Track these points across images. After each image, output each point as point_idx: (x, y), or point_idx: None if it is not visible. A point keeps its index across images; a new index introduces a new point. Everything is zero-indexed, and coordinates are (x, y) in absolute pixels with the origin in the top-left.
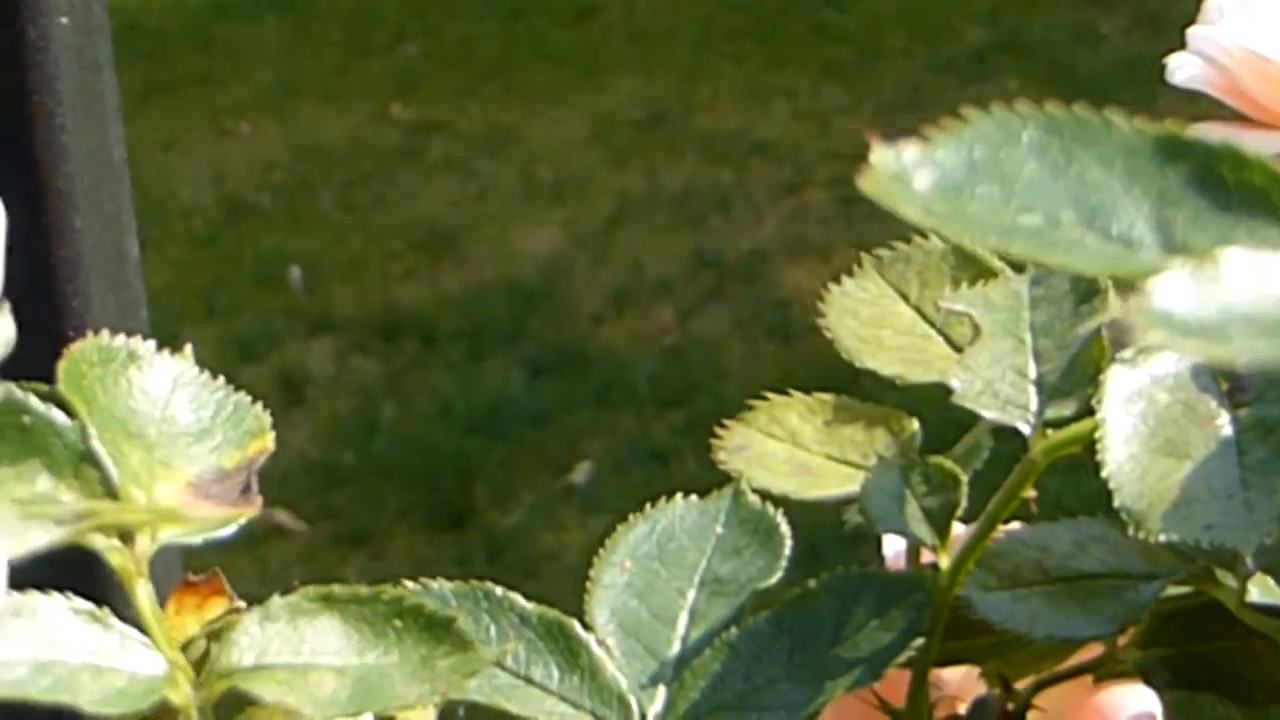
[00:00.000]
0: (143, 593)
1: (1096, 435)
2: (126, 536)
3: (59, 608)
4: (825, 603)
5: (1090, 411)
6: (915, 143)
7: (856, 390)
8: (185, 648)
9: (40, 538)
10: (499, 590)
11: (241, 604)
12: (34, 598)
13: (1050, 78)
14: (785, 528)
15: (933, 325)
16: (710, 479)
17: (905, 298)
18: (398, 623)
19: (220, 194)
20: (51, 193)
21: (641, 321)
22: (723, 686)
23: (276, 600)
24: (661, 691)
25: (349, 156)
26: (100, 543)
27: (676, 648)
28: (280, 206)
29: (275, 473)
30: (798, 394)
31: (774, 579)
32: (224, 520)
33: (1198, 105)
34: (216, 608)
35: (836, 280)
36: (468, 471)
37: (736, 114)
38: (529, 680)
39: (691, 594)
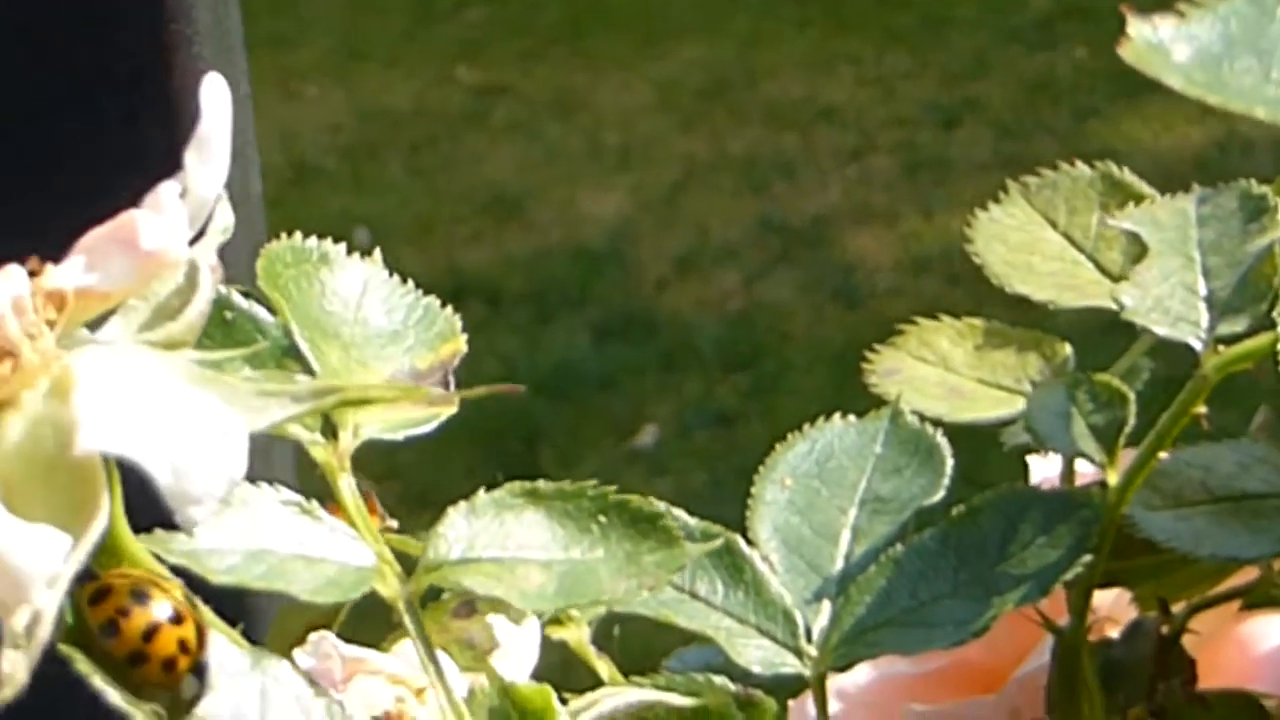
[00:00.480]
0: (346, 487)
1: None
2: (329, 431)
3: (269, 499)
4: (991, 520)
5: (1263, 328)
6: (1170, 17)
7: None
8: None
9: (278, 413)
10: (661, 505)
11: (393, 523)
12: (245, 489)
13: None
14: (946, 447)
15: (1082, 251)
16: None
17: (1053, 224)
18: (602, 519)
19: (287, 156)
20: (185, 119)
21: (707, 286)
22: (889, 602)
23: (482, 495)
24: (826, 607)
25: (415, 120)
26: (304, 435)
27: (839, 564)
28: (346, 169)
29: None
30: (947, 318)
31: (936, 498)
32: (426, 417)
33: None
34: None
35: (901, 245)
36: (533, 433)
37: (801, 80)
38: (694, 595)
39: (853, 512)
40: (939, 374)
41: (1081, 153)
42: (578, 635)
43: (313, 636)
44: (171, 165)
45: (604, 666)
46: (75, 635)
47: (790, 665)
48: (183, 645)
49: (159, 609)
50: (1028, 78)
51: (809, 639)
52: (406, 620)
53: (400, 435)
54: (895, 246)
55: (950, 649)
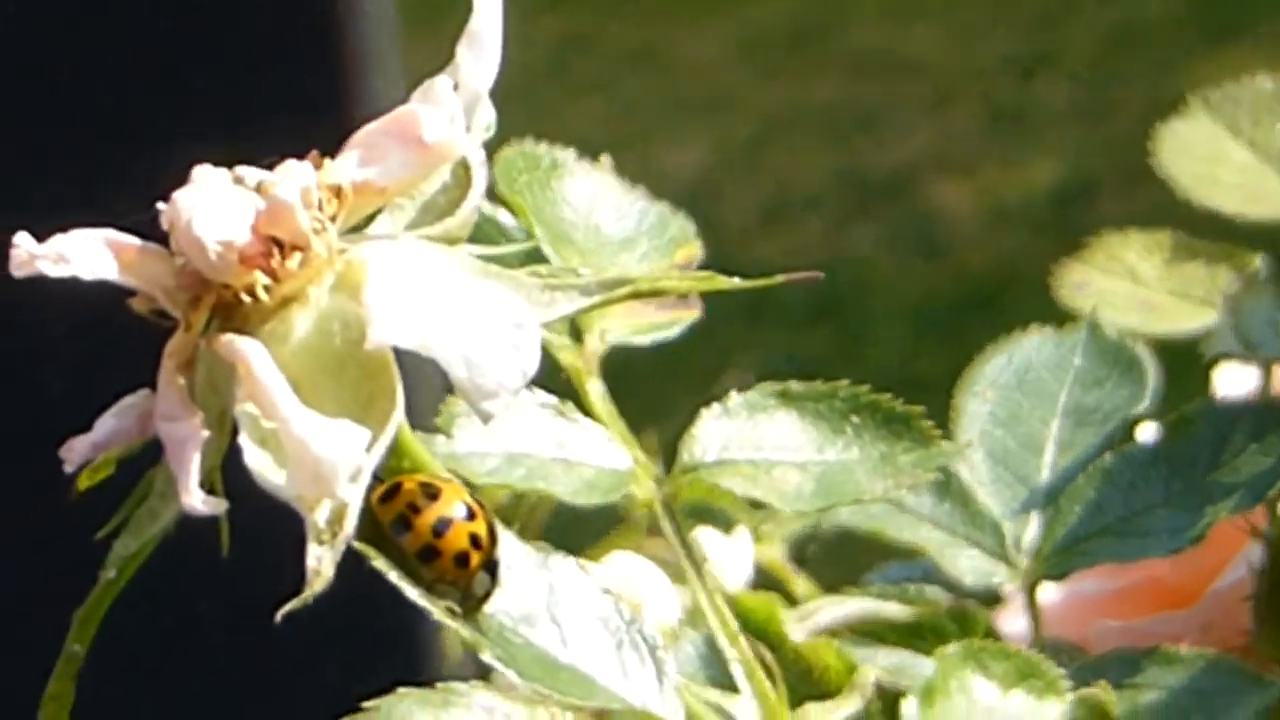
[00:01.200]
0: (595, 391)
1: None
2: (576, 335)
3: (527, 401)
4: (1201, 429)
5: None
6: None
7: (999, 305)
8: None
9: (567, 306)
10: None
11: None
12: None
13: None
14: (1147, 358)
15: (1268, 163)
16: None
17: (1238, 136)
18: (855, 419)
19: None
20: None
21: (789, 237)
22: (1101, 512)
23: (734, 397)
24: (1034, 517)
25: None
26: (554, 340)
27: (1046, 475)
28: None
29: None
30: (1134, 231)
31: (1141, 408)
32: (670, 322)
33: None
34: None
35: (981, 196)
36: (620, 382)
37: (880, 32)
38: (901, 507)
39: (1055, 423)
40: (1129, 287)
41: (1162, 100)
42: (772, 554)
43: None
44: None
45: (801, 584)
46: (366, 534)
47: (1001, 575)
48: (474, 540)
49: (450, 505)
50: (1106, 27)
51: (1018, 550)
52: (665, 523)
53: (647, 339)
54: (975, 197)
55: (1141, 566)
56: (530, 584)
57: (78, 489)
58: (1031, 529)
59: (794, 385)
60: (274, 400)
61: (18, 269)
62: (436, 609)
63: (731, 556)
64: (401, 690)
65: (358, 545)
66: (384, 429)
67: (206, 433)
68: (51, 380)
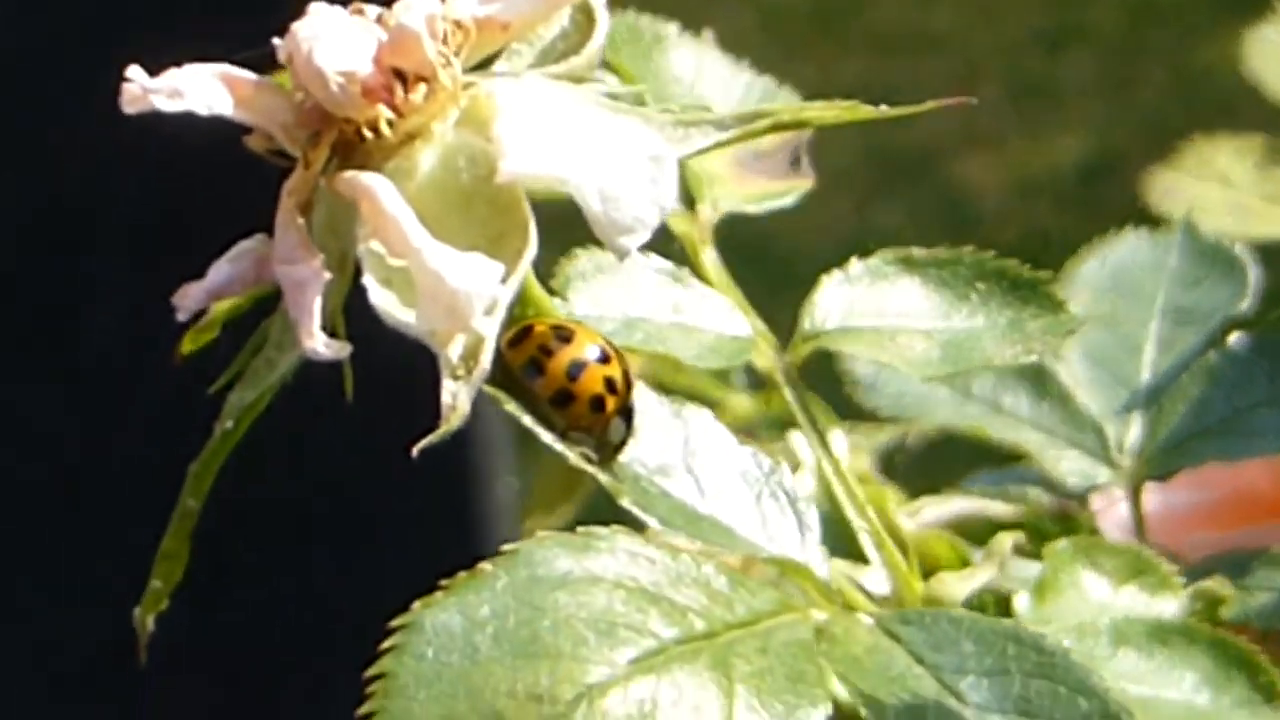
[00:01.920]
0: (710, 260)
1: None
2: (688, 203)
3: (641, 266)
4: None
5: None
6: None
7: None
8: None
9: (702, 140)
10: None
11: None
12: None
13: None
14: (1246, 257)
15: None
16: None
17: None
18: (980, 285)
19: None
20: None
21: (817, 212)
22: (1204, 412)
23: (856, 263)
24: (1137, 418)
25: None
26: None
27: (1147, 375)
28: None
29: None
30: (1224, 136)
31: (1241, 307)
32: (785, 190)
33: None
34: None
35: (1008, 170)
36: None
37: (906, 8)
38: (999, 409)
39: (1154, 324)
40: (1221, 192)
41: (1188, 72)
42: (860, 465)
43: None
44: None
45: (890, 493)
46: (497, 381)
47: (1104, 476)
48: (610, 384)
49: (584, 348)
50: (1131, 0)
51: (1120, 450)
52: (787, 392)
53: (761, 208)
54: (1003, 172)
55: (1236, 477)
56: (665, 434)
57: (181, 352)
58: (1134, 429)
59: (916, 252)
60: (404, 234)
61: (130, 105)
62: (572, 455)
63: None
64: (541, 534)
65: (490, 390)
66: (517, 264)
67: (328, 274)
68: None
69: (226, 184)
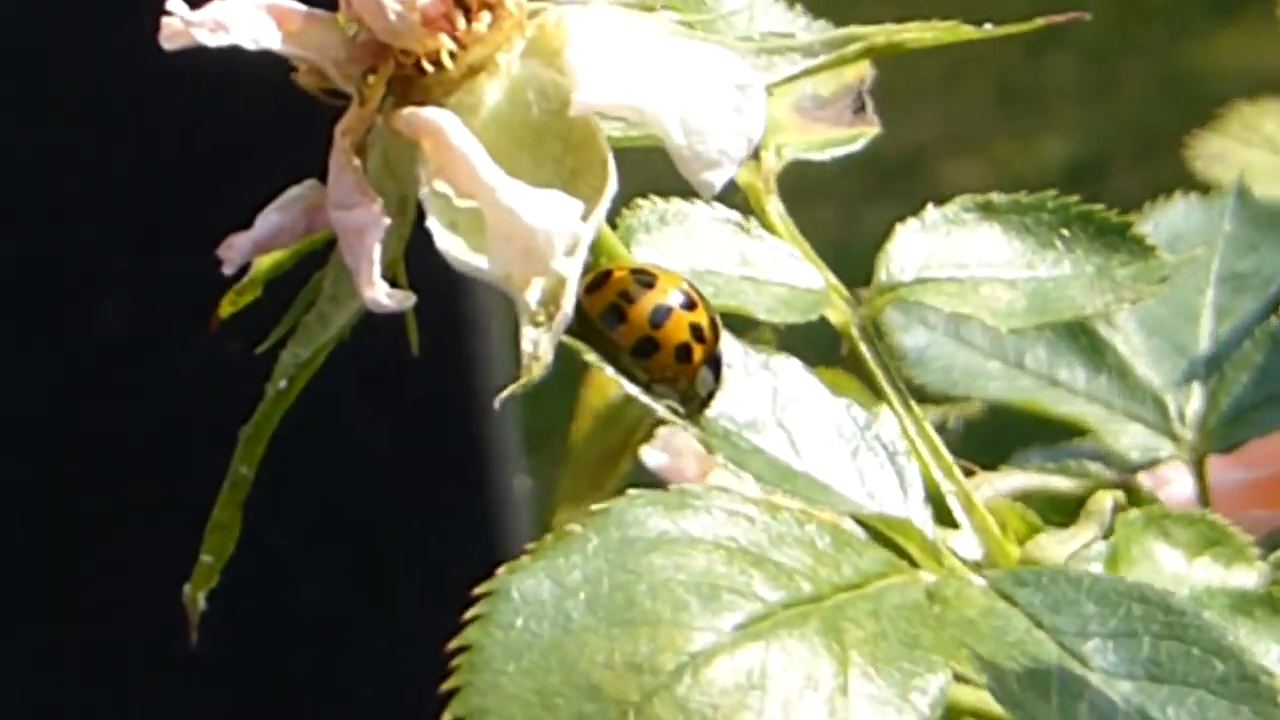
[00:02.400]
0: (774, 210)
1: None
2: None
3: (706, 216)
4: None
5: None
6: None
7: None
8: None
9: (788, 69)
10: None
11: None
12: (679, 204)
13: None
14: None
15: None
16: None
17: None
18: (1065, 232)
19: None
20: None
21: (803, 218)
22: (1269, 379)
23: (932, 211)
24: (1197, 388)
25: None
26: None
27: (1206, 344)
28: None
29: None
30: (1269, 101)
31: None
32: (850, 137)
33: None
34: None
35: (995, 173)
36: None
37: (887, 12)
38: (1054, 381)
39: (1210, 291)
40: (1267, 157)
41: (1174, 72)
42: None
43: (662, 431)
44: None
45: None
46: (574, 330)
47: (1166, 449)
48: (696, 332)
49: (667, 293)
50: (1113, 1)
51: (1182, 422)
52: (862, 348)
53: (826, 155)
54: (989, 174)
55: None
56: (753, 386)
57: (219, 315)
58: (1195, 400)
59: (996, 198)
60: (474, 171)
61: (170, 40)
62: (660, 407)
63: None
64: (633, 492)
65: (568, 341)
66: (597, 202)
67: (387, 219)
68: None
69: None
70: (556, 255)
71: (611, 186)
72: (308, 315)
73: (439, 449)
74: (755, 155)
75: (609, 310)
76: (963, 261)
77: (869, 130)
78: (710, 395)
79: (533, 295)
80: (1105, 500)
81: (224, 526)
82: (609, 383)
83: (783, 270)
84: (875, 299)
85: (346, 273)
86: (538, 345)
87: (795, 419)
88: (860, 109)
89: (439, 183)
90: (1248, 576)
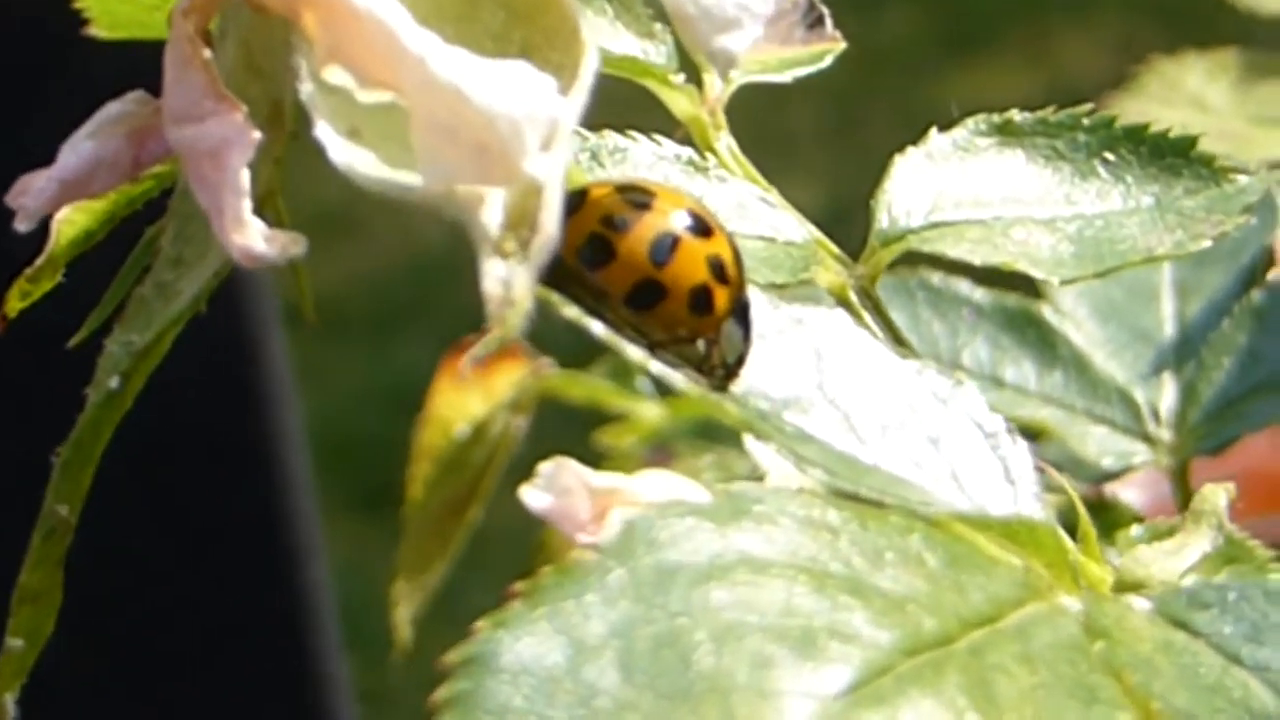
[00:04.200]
0: (725, 148)
1: None
2: (691, 75)
3: (650, 152)
4: None
5: None
6: None
7: None
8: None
9: None
10: (936, 277)
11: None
12: (614, 138)
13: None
14: (1244, 177)
15: None
16: None
17: None
18: (1109, 156)
19: None
20: None
21: None
22: (1257, 363)
23: (937, 138)
24: (1169, 380)
25: None
26: (671, 84)
27: (1170, 327)
28: None
29: None
30: (1192, 54)
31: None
32: (813, 55)
33: None
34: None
35: None
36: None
37: None
38: (998, 382)
39: (1167, 266)
40: (1195, 115)
41: (909, 116)
42: None
43: (544, 467)
44: None
45: None
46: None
47: (1142, 454)
48: (716, 268)
49: (669, 215)
50: (848, 46)
51: (1156, 421)
52: (866, 317)
53: (787, 76)
54: None
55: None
56: (788, 350)
57: (7, 313)
58: (1168, 394)
59: (1017, 116)
60: (395, 40)
61: None
62: (678, 379)
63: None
64: (666, 501)
65: (540, 292)
66: (574, 77)
67: (256, 133)
68: None
69: None
70: (528, 151)
71: (591, 58)
72: (141, 287)
73: None
74: (697, 81)
75: (589, 245)
76: (982, 199)
77: (835, 46)
78: (740, 360)
79: (492, 214)
80: (1219, 496)
81: (37, 596)
82: (452, 418)
83: (754, 220)
84: (878, 251)
85: (198, 220)
86: (509, 285)
87: (849, 392)
88: (816, 22)
89: (332, 70)
90: None
